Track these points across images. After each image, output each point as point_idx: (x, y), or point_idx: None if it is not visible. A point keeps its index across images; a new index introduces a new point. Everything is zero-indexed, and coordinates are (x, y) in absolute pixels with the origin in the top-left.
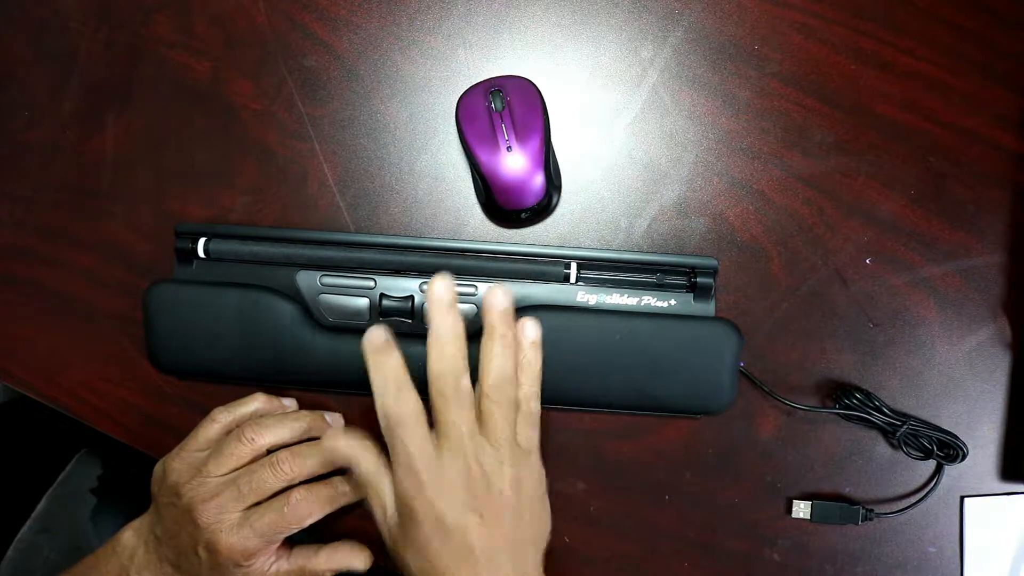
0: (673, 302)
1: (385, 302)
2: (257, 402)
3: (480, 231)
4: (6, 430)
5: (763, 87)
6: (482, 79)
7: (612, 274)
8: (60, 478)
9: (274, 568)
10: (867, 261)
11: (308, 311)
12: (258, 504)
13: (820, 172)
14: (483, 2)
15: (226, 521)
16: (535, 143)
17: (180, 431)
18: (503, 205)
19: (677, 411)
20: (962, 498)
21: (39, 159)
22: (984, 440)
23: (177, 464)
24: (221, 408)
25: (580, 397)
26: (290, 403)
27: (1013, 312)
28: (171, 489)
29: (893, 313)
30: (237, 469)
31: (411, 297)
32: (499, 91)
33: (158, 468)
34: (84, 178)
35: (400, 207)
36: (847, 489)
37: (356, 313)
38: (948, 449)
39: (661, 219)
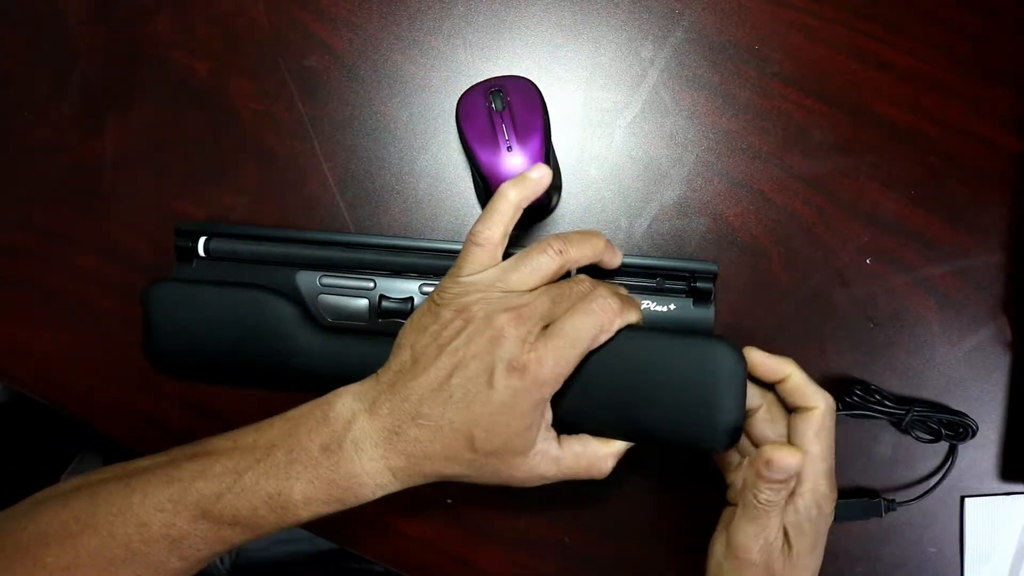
0: (673, 306)
1: (384, 303)
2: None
3: None
4: (6, 430)
5: (763, 87)
6: (482, 79)
7: (611, 277)
8: (62, 478)
9: (550, 448)
10: (867, 261)
11: (308, 311)
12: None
13: (820, 172)
14: (483, 2)
15: (534, 334)
16: (535, 143)
17: (180, 431)
18: None
19: (670, 445)
20: (962, 498)
21: (39, 159)
22: (984, 440)
23: (456, 288)
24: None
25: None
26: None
27: (1013, 312)
28: (452, 312)
29: (893, 313)
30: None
31: (411, 298)
32: (499, 91)
33: (422, 316)
34: (84, 178)
35: (400, 207)
36: (862, 483)
37: (356, 313)
38: (957, 428)
39: (661, 219)
